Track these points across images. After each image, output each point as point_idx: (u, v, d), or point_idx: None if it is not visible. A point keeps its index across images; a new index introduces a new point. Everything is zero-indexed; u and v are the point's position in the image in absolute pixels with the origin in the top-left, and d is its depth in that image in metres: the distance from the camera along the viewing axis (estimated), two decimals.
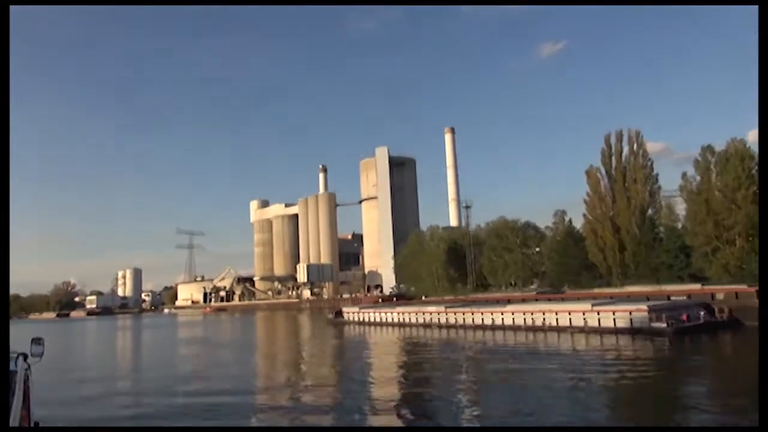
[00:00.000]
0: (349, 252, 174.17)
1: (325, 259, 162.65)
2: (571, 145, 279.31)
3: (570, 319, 35.08)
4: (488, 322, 40.62)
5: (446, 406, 16.09)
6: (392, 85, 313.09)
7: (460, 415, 15.08)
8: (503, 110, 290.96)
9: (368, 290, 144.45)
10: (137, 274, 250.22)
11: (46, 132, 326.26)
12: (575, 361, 24.01)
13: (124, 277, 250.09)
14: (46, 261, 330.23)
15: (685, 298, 40.31)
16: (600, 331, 33.25)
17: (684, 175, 57.22)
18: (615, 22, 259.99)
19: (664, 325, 29.91)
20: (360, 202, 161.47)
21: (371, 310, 54.44)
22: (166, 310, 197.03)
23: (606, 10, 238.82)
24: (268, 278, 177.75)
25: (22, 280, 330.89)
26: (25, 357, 5.25)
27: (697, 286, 45.46)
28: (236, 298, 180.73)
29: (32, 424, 5.00)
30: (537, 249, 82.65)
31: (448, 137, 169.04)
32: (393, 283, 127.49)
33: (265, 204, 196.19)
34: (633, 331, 31.66)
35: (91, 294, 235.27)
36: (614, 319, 32.85)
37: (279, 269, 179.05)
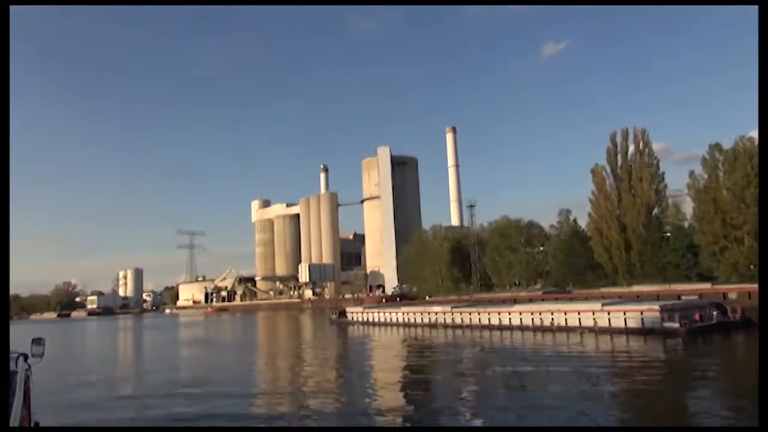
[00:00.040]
0: (350, 252, 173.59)
1: (326, 259, 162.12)
2: (572, 145, 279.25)
3: (579, 319, 34.46)
4: (495, 322, 40.01)
5: (460, 411, 15.51)
6: (393, 85, 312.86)
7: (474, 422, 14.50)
8: (504, 110, 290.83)
9: (370, 290, 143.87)
10: (138, 274, 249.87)
11: (46, 132, 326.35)
12: (587, 363, 23.29)
13: (125, 277, 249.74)
14: (47, 261, 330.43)
15: (696, 297, 39.66)
16: (610, 331, 32.64)
17: (691, 173, 56.55)
18: (615, 22, 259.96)
19: (676, 325, 29.29)
20: (362, 201, 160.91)
21: (375, 310, 53.85)
22: (167, 311, 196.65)
23: (606, 10, 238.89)
24: (270, 278, 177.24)
25: (23, 281, 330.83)
26: (26, 357, 5.23)
27: (707, 286, 44.82)
28: (238, 298, 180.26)
29: (33, 424, 4.97)
30: (541, 248, 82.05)
31: (449, 137, 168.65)
32: (395, 283, 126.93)
33: (266, 204, 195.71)
34: (644, 332, 31.06)
35: (92, 294, 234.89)
36: (625, 319, 32.23)
37: (280, 269, 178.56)
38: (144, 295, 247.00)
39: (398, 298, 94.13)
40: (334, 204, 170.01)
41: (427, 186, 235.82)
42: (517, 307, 39.42)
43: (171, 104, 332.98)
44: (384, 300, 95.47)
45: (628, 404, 15.81)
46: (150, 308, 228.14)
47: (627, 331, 31.95)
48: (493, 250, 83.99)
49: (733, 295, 37.84)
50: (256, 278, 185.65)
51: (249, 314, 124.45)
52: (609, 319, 33.00)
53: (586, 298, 43.90)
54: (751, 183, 49.79)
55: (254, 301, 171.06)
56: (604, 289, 57.07)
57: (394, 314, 49.82)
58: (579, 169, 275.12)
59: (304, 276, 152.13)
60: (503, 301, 55.08)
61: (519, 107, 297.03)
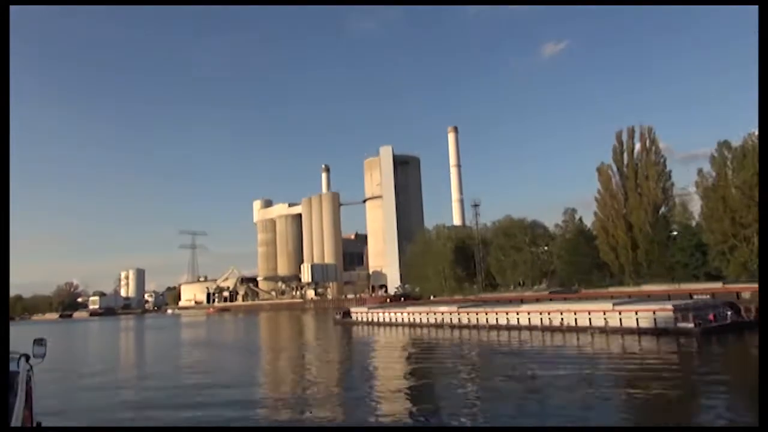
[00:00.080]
0: (352, 252, 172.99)
1: (328, 259, 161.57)
2: (573, 144, 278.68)
3: (589, 319, 33.83)
4: (503, 322, 39.39)
5: (477, 419, 14.90)
6: (394, 85, 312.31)
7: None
8: (505, 110, 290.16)
9: (373, 290, 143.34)
10: (140, 275, 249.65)
11: (47, 132, 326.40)
12: (601, 365, 22.57)
13: (126, 277, 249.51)
14: (49, 262, 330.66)
15: (708, 297, 39.01)
16: (621, 331, 32.01)
17: (700, 171, 56.07)
18: (615, 22, 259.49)
19: (691, 325, 28.66)
20: (364, 201, 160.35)
21: (380, 310, 53.26)
22: (169, 311, 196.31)
23: (606, 11, 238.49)
24: (272, 278, 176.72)
25: (25, 281, 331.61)
26: (28, 358, 5.23)
27: (718, 285, 44.19)
28: (240, 298, 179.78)
29: (34, 425, 4.97)
30: (545, 248, 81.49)
31: (451, 136, 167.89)
32: (398, 283, 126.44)
33: (268, 204, 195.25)
34: (657, 332, 30.41)
35: (94, 295, 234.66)
36: (637, 319, 31.58)
37: (282, 269, 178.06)
38: (146, 296, 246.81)
39: (403, 298, 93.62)
40: (336, 204, 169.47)
41: (429, 186, 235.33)
42: (525, 307, 38.79)
43: (172, 104, 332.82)
44: (389, 300, 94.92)
45: (649, 408, 15.17)
46: (152, 309, 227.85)
47: (639, 332, 31.30)
48: (497, 249, 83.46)
49: (746, 295, 37.23)
50: (258, 278, 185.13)
51: (251, 315, 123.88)
52: (620, 319, 32.36)
53: (595, 298, 43.39)
54: None
55: (256, 302, 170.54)
56: (611, 289, 56.48)
57: (399, 314, 49.24)
58: (579, 169, 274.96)
59: (306, 276, 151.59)
60: (510, 301, 54.50)
61: (519, 107, 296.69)
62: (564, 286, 72.17)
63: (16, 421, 3.88)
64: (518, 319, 38.33)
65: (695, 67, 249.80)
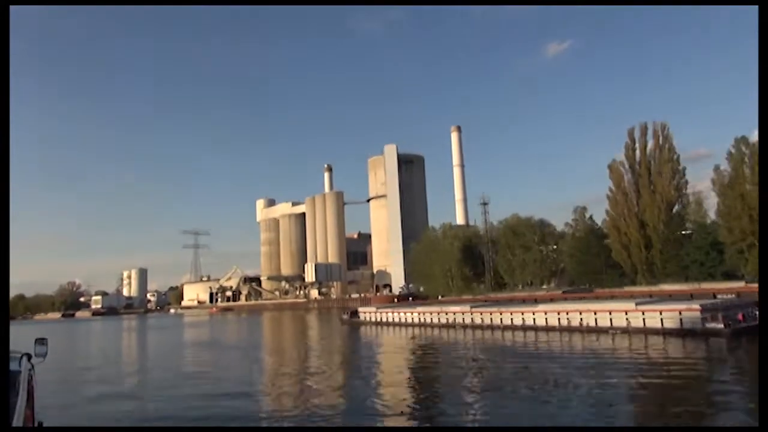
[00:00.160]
0: (355, 251, 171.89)
1: (332, 258, 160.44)
2: (576, 145, 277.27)
3: (611, 319, 32.55)
4: (518, 322, 38.10)
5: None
6: (397, 85, 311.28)
7: None
8: (509, 110, 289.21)
9: (377, 290, 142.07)
10: (142, 274, 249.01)
11: (47, 132, 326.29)
12: (630, 370, 21.13)
13: (129, 277, 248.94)
14: (52, 261, 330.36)
15: (733, 296, 37.68)
16: (645, 332, 30.71)
17: (716, 168, 54.73)
18: (618, 23, 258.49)
19: (720, 325, 27.36)
20: (368, 200, 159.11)
21: (389, 309, 52.00)
22: (171, 310, 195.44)
23: (609, 11, 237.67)
24: (275, 278, 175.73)
25: (28, 281, 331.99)
26: (29, 357, 5.23)
27: (740, 284, 42.82)
28: (243, 298, 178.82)
29: (36, 424, 4.95)
30: (554, 247, 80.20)
31: (454, 136, 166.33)
32: (402, 282, 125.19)
33: (271, 203, 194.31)
34: (683, 333, 29.11)
35: (97, 294, 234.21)
36: (661, 319, 30.28)
37: (286, 269, 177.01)
38: (148, 295, 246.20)
39: (410, 298, 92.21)
40: (340, 203, 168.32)
41: (432, 185, 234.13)
42: (542, 307, 37.48)
43: (173, 103, 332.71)
44: (396, 299, 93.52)
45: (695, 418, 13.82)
46: (154, 308, 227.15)
47: (664, 332, 30.02)
48: (505, 248, 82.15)
49: None
50: (261, 278, 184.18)
51: (254, 314, 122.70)
52: (643, 320, 31.07)
53: (612, 297, 42.11)
54: None
55: (259, 301, 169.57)
56: (627, 288, 55.13)
57: (408, 314, 47.97)
58: (582, 169, 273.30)
59: (310, 276, 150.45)
60: (523, 301, 53.15)
61: (523, 107, 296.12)
62: (574, 285, 70.89)
63: (17, 420, 3.85)
64: (534, 319, 37.04)
65: (696, 67, 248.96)
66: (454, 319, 42.93)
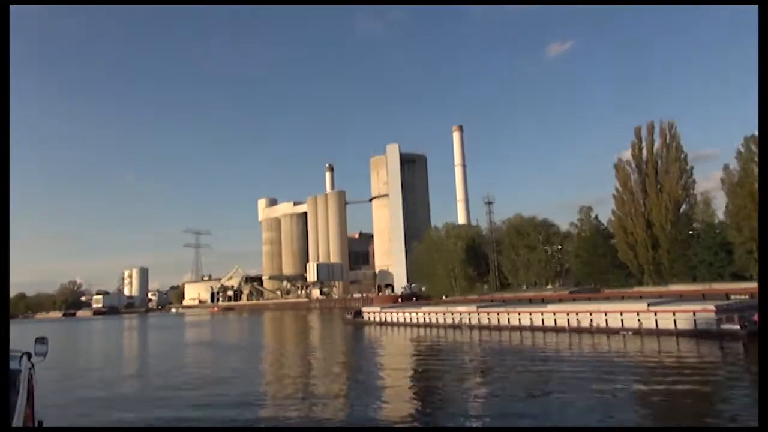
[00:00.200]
0: (357, 251, 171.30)
1: (334, 258, 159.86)
2: (577, 145, 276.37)
3: (622, 320, 31.90)
4: (526, 323, 37.44)
5: None
6: (399, 85, 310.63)
7: None
8: (511, 110, 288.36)
9: (379, 290, 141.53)
10: (143, 274, 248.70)
11: (47, 132, 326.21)
12: (647, 373, 20.50)
13: (130, 276, 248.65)
14: (53, 261, 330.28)
15: (748, 297, 36.99)
16: (658, 333, 30.03)
17: (726, 167, 54.10)
18: (617, 22, 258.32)
19: (736, 326, 26.67)
20: (370, 200, 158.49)
21: (394, 309, 51.36)
22: (173, 310, 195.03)
23: (610, 11, 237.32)
24: (277, 277, 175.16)
25: (29, 280, 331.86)
26: (29, 356, 5.22)
27: (753, 285, 42.05)
28: (244, 297, 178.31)
29: (36, 424, 4.94)
30: (559, 247, 79.56)
31: (456, 135, 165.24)
32: (405, 282, 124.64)
33: (273, 202, 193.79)
34: (698, 334, 28.42)
35: (98, 293, 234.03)
36: (675, 320, 29.60)
37: (287, 268, 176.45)
38: (149, 295, 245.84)
39: (414, 298, 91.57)
40: (342, 202, 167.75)
41: (434, 185, 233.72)
42: (551, 307, 36.81)
43: (174, 103, 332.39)
44: (400, 299, 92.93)
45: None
46: (155, 307, 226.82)
47: (677, 334, 29.35)
48: (509, 248, 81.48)
49: None
50: (263, 277, 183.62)
51: (256, 314, 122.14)
52: (656, 320, 30.40)
53: (622, 298, 41.45)
54: None
55: (261, 301, 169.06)
56: (636, 289, 54.42)
57: (414, 314, 47.33)
58: (581, 169, 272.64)
59: (312, 275, 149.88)
60: (530, 301, 52.48)
61: (524, 107, 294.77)
62: (579, 285, 70.27)
63: (17, 419, 3.83)
64: (543, 320, 36.37)
65: (696, 67, 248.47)
66: (461, 319, 42.28)
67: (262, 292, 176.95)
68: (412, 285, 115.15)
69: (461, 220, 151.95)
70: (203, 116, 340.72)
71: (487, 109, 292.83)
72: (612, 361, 23.99)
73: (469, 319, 41.65)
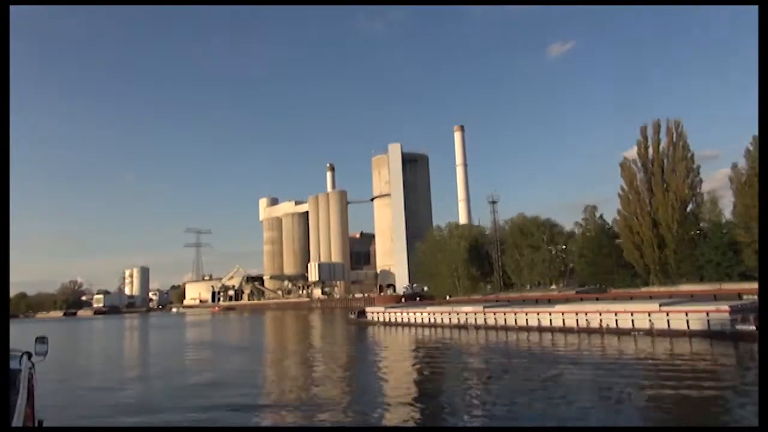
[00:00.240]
0: (358, 251, 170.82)
1: (335, 257, 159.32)
2: (579, 145, 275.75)
3: (632, 320, 31.31)
4: (533, 323, 36.87)
5: None
6: (400, 84, 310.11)
7: None
8: (512, 110, 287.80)
9: (380, 289, 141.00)
10: (144, 273, 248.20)
11: (47, 132, 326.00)
12: (667, 376, 19.84)
13: (131, 276, 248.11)
14: (53, 260, 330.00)
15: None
16: (670, 334, 29.45)
17: (734, 166, 53.58)
18: (618, 23, 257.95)
19: (752, 327, 26.06)
20: (372, 199, 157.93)
21: (398, 309, 50.78)
22: (173, 309, 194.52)
23: (611, 11, 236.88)
24: (278, 277, 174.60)
25: (30, 279, 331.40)
26: (30, 356, 5.20)
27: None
28: (245, 297, 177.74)
29: (36, 423, 4.92)
30: (563, 246, 78.95)
31: (457, 135, 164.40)
32: (407, 282, 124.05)
33: (274, 202, 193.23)
34: (711, 335, 27.84)
35: (98, 293, 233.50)
36: (687, 321, 29.01)
37: (289, 268, 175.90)
38: (150, 294, 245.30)
39: (418, 298, 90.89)
40: (344, 202, 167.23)
41: (435, 185, 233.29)
42: (559, 307, 36.23)
43: (175, 103, 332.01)
44: (403, 299, 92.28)
45: None
46: (156, 307, 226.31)
47: (690, 334, 28.76)
48: (513, 248, 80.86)
49: None
50: (264, 277, 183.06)
51: (257, 314, 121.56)
52: (668, 321, 29.81)
53: (631, 298, 40.84)
54: None
55: (262, 301, 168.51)
56: (645, 289, 53.77)
57: (419, 314, 46.74)
58: (581, 170, 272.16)
59: (313, 275, 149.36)
60: (536, 301, 51.88)
61: (526, 107, 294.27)
62: (584, 286, 69.67)
63: (17, 419, 3.82)
64: (551, 320, 35.78)
65: (696, 67, 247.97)
66: (467, 319, 41.69)
67: (263, 292, 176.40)
68: (414, 285, 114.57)
69: (462, 219, 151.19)
70: (203, 116, 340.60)
71: (488, 109, 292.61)
72: (626, 363, 23.34)
73: (475, 319, 41.06)
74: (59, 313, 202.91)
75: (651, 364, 23.22)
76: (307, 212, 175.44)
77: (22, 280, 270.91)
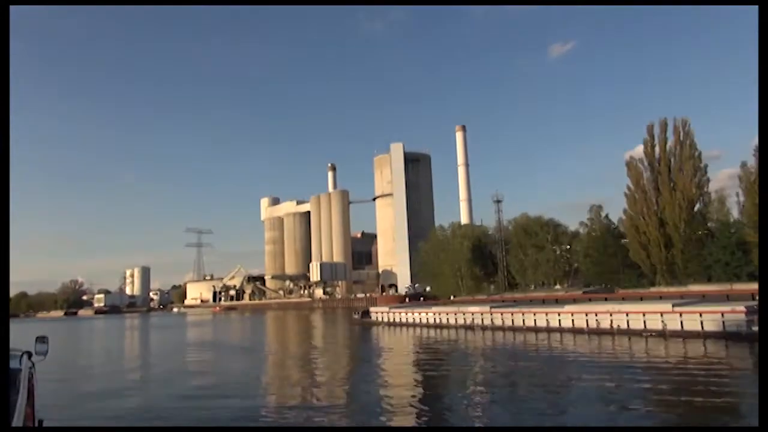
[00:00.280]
0: (360, 251, 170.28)
1: (337, 257, 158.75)
2: (577, 146, 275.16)
3: (644, 321, 30.65)
4: (542, 324, 36.19)
5: None
6: (401, 84, 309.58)
7: None
8: (513, 110, 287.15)
9: (382, 289, 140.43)
10: (145, 273, 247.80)
11: (47, 132, 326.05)
12: (687, 380, 19.15)
13: (132, 275, 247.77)
14: (54, 260, 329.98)
15: None
16: (683, 335, 28.79)
17: (744, 164, 52.92)
18: (618, 23, 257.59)
19: None
20: (374, 199, 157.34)
21: (402, 309, 50.15)
22: (174, 309, 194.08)
23: (612, 11, 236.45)
24: (279, 277, 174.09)
25: (30, 279, 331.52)
26: (30, 355, 5.21)
27: None
28: (246, 297, 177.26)
29: (36, 423, 4.91)
30: (568, 246, 78.32)
31: (459, 135, 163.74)
32: (409, 282, 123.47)
33: (275, 201, 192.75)
34: (726, 336, 27.17)
35: (99, 292, 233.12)
36: (701, 322, 28.35)
37: (290, 268, 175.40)
38: (151, 294, 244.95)
39: (422, 298, 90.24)
40: (346, 202, 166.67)
41: (437, 185, 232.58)
42: (568, 308, 35.57)
43: (175, 103, 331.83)
44: (407, 299, 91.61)
45: None
46: (157, 307, 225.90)
47: (704, 336, 28.09)
48: (517, 248, 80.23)
49: None
50: (265, 277, 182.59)
51: (258, 314, 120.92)
52: (681, 322, 29.15)
53: (641, 298, 40.18)
54: None
55: (263, 300, 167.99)
56: (654, 289, 53.12)
57: (424, 314, 46.09)
58: (583, 170, 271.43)
59: (315, 275, 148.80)
60: (543, 301, 51.26)
61: (527, 107, 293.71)
62: (589, 286, 69.07)
63: (17, 419, 3.82)
64: (560, 320, 35.11)
65: (697, 67, 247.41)
66: (473, 320, 41.05)
67: (264, 292, 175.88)
68: (416, 285, 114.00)
69: (464, 219, 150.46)
70: (203, 116, 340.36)
71: (488, 109, 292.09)
72: (644, 366, 22.65)
73: (482, 319, 40.42)
74: (60, 313, 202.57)
75: (669, 366, 22.51)
76: (308, 212, 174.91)
77: (22, 279, 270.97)
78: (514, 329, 37.80)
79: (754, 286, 44.57)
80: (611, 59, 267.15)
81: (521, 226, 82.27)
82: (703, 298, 37.21)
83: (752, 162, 52.18)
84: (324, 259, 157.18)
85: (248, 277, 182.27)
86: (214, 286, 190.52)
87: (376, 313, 52.73)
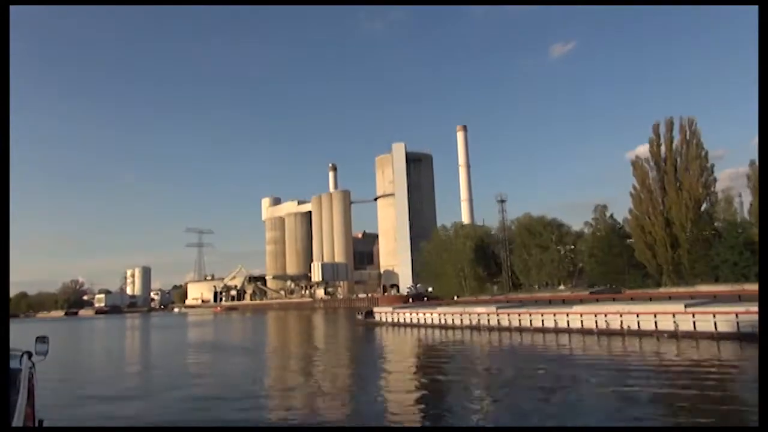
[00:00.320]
0: (361, 251, 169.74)
1: (338, 257, 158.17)
2: (577, 146, 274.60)
3: (656, 322, 30.06)
4: (550, 324, 35.61)
5: None
6: (402, 84, 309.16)
7: None
8: (514, 110, 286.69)
9: (384, 290, 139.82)
10: (146, 273, 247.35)
11: (47, 132, 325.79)
12: (705, 385, 18.50)
13: (132, 275, 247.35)
14: (55, 260, 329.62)
15: None
16: (696, 336, 28.21)
17: (752, 163, 52.36)
18: (618, 23, 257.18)
19: None
20: (375, 199, 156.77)
21: (407, 310, 49.57)
22: (175, 309, 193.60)
23: (608, 11, 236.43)
24: (280, 277, 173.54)
25: (30, 279, 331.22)
26: (30, 355, 5.19)
27: None
28: (247, 297, 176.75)
29: (36, 423, 4.87)
30: (572, 246, 77.72)
31: (460, 135, 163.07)
32: (410, 282, 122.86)
33: (277, 201, 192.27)
34: (741, 337, 26.57)
35: (100, 292, 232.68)
36: (715, 323, 27.77)
37: (291, 268, 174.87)
38: (152, 294, 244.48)
39: (425, 298, 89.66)
40: (347, 202, 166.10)
41: (438, 185, 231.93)
42: (577, 308, 35.00)
43: (175, 103, 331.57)
44: (410, 300, 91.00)
45: None
46: (158, 307, 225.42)
47: (717, 337, 27.50)
48: (521, 248, 79.64)
49: None
50: (267, 277, 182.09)
51: (259, 314, 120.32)
52: (694, 323, 28.56)
53: (650, 299, 39.57)
54: None
55: (264, 301, 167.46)
56: (663, 289, 52.51)
57: (429, 315, 45.51)
58: (584, 170, 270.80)
59: (316, 275, 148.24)
60: (549, 302, 50.67)
61: (527, 107, 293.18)
62: (594, 286, 68.46)
63: (18, 419, 3.83)
64: (568, 321, 34.53)
65: (697, 67, 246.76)
66: (479, 320, 40.44)
67: (265, 292, 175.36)
68: (418, 285, 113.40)
69: (465, 220, 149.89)
70: (203, 116, 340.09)
71: (489, 109, 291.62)
72: (660, 368, 22.05)
73: (488, 320, 39.82)
74: (60, 313, 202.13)
75: (682, 370, 21.90)
76: (309, 212, 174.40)
77: (22, 279, 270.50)
78: (521, 330, 37.20)
79: None
80: (612, 59, 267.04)
81: (525, 226, 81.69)
82: (715, 299, 36.64)
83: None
84: (325, 260, 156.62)
85: (249, 278, 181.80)
86: (215, 287, 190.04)
87: (380, 313, 52.14)
